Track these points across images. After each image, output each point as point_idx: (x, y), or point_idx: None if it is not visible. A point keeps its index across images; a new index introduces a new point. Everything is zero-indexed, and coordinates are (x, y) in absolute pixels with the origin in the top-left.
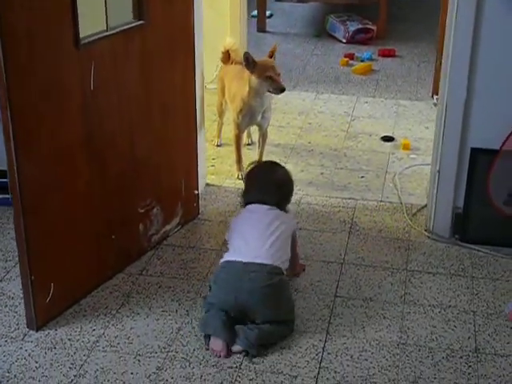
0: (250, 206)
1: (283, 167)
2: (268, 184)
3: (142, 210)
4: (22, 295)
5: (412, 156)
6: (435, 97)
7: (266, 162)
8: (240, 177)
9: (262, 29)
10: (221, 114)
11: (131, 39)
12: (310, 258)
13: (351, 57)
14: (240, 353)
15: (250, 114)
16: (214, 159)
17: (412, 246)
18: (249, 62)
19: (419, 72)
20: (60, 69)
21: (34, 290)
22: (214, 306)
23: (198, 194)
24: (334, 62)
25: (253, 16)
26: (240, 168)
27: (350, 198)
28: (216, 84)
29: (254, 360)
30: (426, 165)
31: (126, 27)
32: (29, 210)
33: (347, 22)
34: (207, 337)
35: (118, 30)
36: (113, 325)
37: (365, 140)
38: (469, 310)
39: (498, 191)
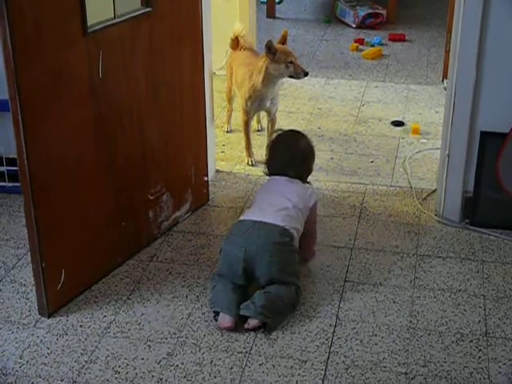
0: (272, 179)
1: (306, 137)
2: (292, 157)
3: (152, 197)
4: (33, 282)
5: (422, 141)
6: (445, 81)
7: (289, 132)
8: (250, 163)
9: (271, 15)
10: (230, 100)
11: (139, 27)
12: (320, 243)
13: (361, 42)
14: (257, 329)
15: (260, 100)
16: (223, 145)
17: (422, 231)
18: (271, 50)
19: (429, 56)
20: (68, 57)
21: (45, 277)
22: (222, 278)
23: (207, 180)
24: (344, 48)
25: (262, 2)
26: (250, 154)
27: (359, 183)
28: (225, 70)
29: (266, 340)
30: (436, 149)
31: (133, 15)
32: (38, 197)
33: (357, 7)
34: (216, 313)
35: (125, 17)
36: (123, 311)
37: (375, 125)
38: (479, 294)
39: (508, 175)
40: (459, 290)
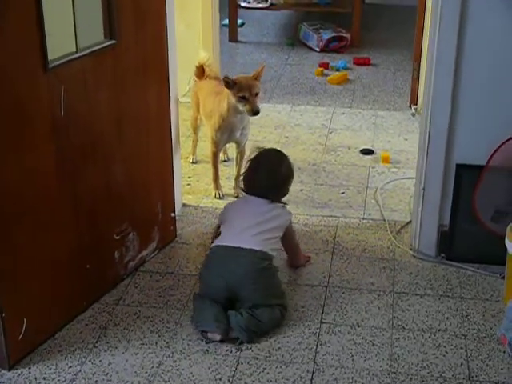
0: (247, 197)
1: (287, 158)
2: (273, 183)
3: (118, 237)
4: None
5: (393, 170)
6: (413, 106)
7: (272, 152)
8: (218, 196)
9: (233, 38)
10: (195, 129)
11: (102, 60)
12: (293, 282)
13: (326, 66)
14: (234, 341)
15: (229, 131)
16: (189, 177)
17: (398, 266)
18: (229, 84)
19: (395, 81)
20: (28, 94)
21: (6, 327)
22: (205, 298)
23: (174, 216)
24: (309, 72)
25: (224, 25)
26: (217, 187)
27: (331, 216)
28: (190, 98)
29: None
30: (407, 178)
31: (96, 48)
32: None
33: (320, 31)
34: (203, 332)
35: (88, 51)
36: (90, 360)
37: (344, 153)
38: (459, 333)
39: (485, 208)
40: (439, 330)
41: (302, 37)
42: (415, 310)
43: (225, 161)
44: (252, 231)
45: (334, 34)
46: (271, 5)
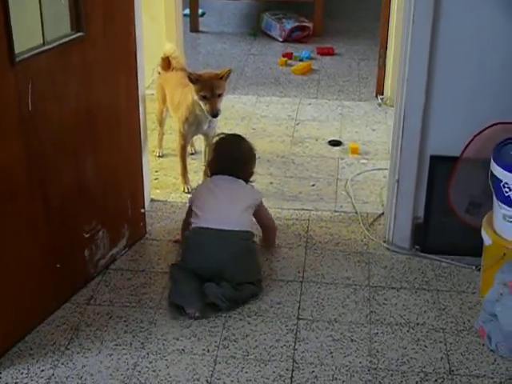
0: (215, 177)
1: (247, 141)
2: (236, 157)
3: (87, 235)
4: None
5: (362, 161)
6: (380, 96)
7: (232, 135)
8: (186, 190)
9: (195, 28)
10: (161, 122)
11: (70, 53)
12: (268, 277)
13: (290, 56)
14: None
15: (197, 123)
16: (157, 171)
17: (372, 260)
18: (193, 80)
19: (360, 71)
20: None
21: None
22: (185, 272)
23: (144, 212)
24: (273, 62)
25: (185, 15)
26: (186, 181)
27: (302, 209)
28: (155, 90)
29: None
30: (377, 169)
31: (64, 40)
32: None
33: (283, 20)
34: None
35: (55, 43)
36: (63, 363)
37: (312, 145)
38: (438, 327)
39: (459, 200)
40: (417, 324)
41: (264, 27)
42: (392, 303)
43: (192, 154)
44: (231, 211)
45: (296, 24)
46: None
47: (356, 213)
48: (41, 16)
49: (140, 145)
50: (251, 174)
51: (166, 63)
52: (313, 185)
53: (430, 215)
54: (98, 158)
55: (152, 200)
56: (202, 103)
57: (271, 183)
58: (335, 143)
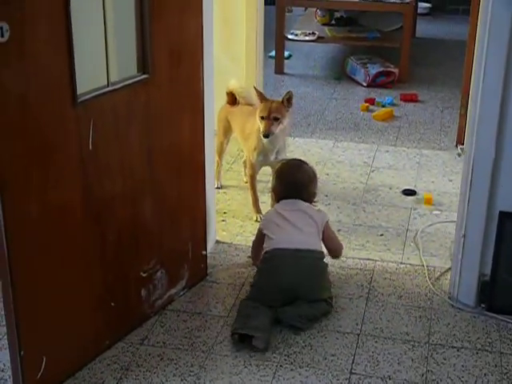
0: (282, 202)
1: (307, 164)
2: (301, 178)
3: (145, 274)
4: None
5: (435, 212)
6: (459, 146)
7: (292, 160)
8: (259, 219)
9: (280, 70)
10: (220, 154)
11: (134, 95)
12: (324, 329)
13: (372, 102)
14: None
15: (264, 153)
16: (225, 213)
17: (435, 316)
18: (260, 99)
19: (442, 119)
20: (55, 130)
21: (24, 366)
22: (258, 304)
23: (206, 254)
24: (354, 107)
25: (270, 57)
26: (257, 210)
27: (368, 259)
28: (216, 124)
29: None
30: (449, 222)
31: (128, 82)
32: (17, 278)
33: (368, 65)
34: (242, 336)
35: (119, 85)
36: None
37: (385, 193)
38: None
39: None
40: None
41: (349, 71)
42: (451, 364)
43: (218, 188)
44: (303, 232)
45: (381, 69)
46: (318, 38)
47: (423, 266)
48: (106, 57)
49: (204, 187)
50: (314, 194)
51: (231, 98)
52: (381, 234)
53: (497, 273)
54: (157, 200)
55: (217, 242)
56: (260, 125)
57: (339, 231)
58: (409, 193)
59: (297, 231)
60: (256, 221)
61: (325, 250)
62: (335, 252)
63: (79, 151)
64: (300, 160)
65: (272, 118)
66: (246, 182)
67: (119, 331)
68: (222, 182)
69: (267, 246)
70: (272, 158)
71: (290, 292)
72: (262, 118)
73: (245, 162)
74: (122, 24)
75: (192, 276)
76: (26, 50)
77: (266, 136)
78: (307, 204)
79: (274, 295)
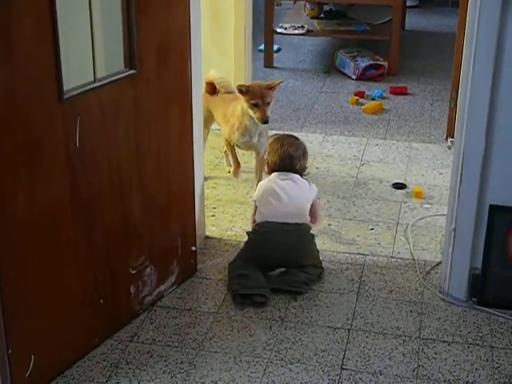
0: (275, 174)
1: (299, 139)
2: (290, 155)
3: (134, 271)
4: None
5: (425, 206)
6: (449, 139)
7: (285, 135)
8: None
9: (269, 64)
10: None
11: (121, 90)
12: (314, 323)
13: (361, 95)
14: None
15: (247, 134)
16: (214, 208)
17: (426, 310)
18: (242, 91)
19: (432, 111)
20: (42, 127)
21: (12, 365)
22: (249, 265)
23: (195, 250)
24: (344, 101)
25: (260, 50)
26: (236, 162)
27: (358, 254)
28: None
29: None
30: (440, 215)
31: (115, 77)
32: (5, 276)
33: (357, 58)
34: (243, 296)
35: (106, 81)
36: None
37: (375, 187)
38: None
39: None
40: (467, 382)
41: (339, 64)
42: (442, 358)
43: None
44: (293, 206)
45: (371, 62)
46: (308, 31)
47: (413, 260)
48: (93, 53)
49: (193, 183)
50: (305, 168)
51: (210, 87)
52: (371, 228)
53: (488, 267)
54: (146, 195)
55: (207, 237)
56: (252, 111)
57: (329, 225)
58: (399, 186)
59: (286, 205)
60: (228, 172)
61: None
62: (313, 220)
63: (66, 148)
64: (293, 135)
65: (266, 103)
66: (229, 172)
67: (108, 328)
68: (205, 174)
69: (258, 218)
70: (255, 140)
71: (279, 260)
72: (256, 105)
73: (226, 152)
74: (108, 19)
75: (181, 272)
76: (12, 46)
77: (266, 122)
78: (299, 177)
79: (263, 262)
